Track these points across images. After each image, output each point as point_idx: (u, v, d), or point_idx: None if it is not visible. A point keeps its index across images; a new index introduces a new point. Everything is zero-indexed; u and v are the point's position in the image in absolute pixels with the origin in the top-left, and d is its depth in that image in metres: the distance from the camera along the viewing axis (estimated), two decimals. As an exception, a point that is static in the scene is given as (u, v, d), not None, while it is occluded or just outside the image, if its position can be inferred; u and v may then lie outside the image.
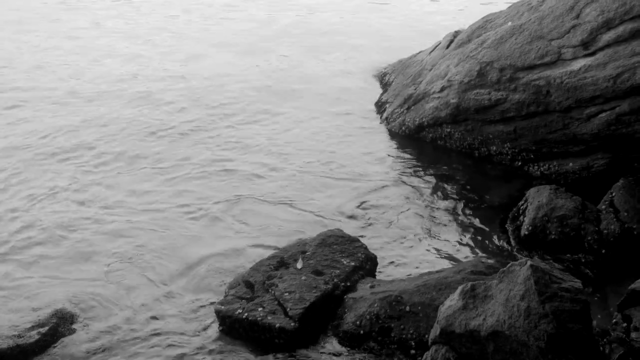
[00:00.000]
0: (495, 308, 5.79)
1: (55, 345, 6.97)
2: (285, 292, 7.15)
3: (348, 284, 7.41)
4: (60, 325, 7.16)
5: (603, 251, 8.18)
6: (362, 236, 8.59)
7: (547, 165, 10.05)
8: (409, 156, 10.90)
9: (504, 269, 5.97)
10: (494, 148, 10.50)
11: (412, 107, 11.57)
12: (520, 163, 10.29)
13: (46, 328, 7.04)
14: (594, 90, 9.51)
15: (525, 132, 10.18)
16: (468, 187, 10.02)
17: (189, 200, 9.55)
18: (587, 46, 9.74)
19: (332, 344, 6.99)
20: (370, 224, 9.08)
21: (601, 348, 6.12)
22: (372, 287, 7.32)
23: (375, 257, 7.98)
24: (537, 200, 8.62)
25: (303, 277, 7.35)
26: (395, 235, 8.86)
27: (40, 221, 9.01)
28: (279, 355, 6.83)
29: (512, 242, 8.66)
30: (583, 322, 5.64)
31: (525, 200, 8.86)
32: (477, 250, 8.60)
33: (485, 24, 11.51)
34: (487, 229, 9.01)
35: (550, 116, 9.96)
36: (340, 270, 7.51)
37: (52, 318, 7.19)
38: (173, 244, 8.63)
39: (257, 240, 8.69)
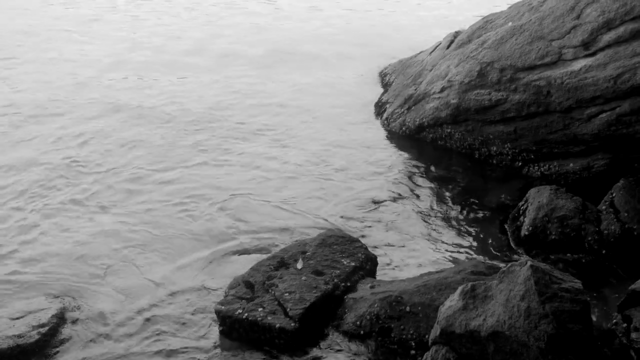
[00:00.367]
0: (496, 308, 5.79)
1: (55, 345, 6.97)
2: (286, 293, 7.15)
3: (348, 284, 7.41)
4: (60, 325, 7.16)
5: (603, 252, 8.18)
6: (362, 236, 8.60)
7: (547, 165, 10.05)
8: (409, 156, 10.90)
9: (504, 269, 5.97)
10: (494, 148, 10.50)
11: (413, 108, 11.57)
12: (520, 163, 10.29)
13: (46, 328, 7.04)
14: (594, 91, 9.51)
15: (526, 133, 10.18)
16: (468, 187, 10.03)
17: (189, 200, 9.55)
18: (587, 46, 9.74)
19: (332, 345, 6.99)
20: (370, 225, 9.07)
21: (601, 348, 6.12)
22: (372, 287, 7.32)
23: (376, 258, 7.97)
24: (537, 200, 8.62)
25: (303, 278, 7.35)
26: (396, 235, 8.86)
27: (40, 221, 9.01)
28: (279, 356, 6.83)
29: (513, 242, 8.66)
30: (583, 322, 5.64)
31: (526, 201, 8.85)
32: (478, 251, 8.60)
33: (486, 24, 11.51)
34: (487, 229, 9.01)
35: (550, 116, 9.96)
36: (340, 270, 7.51)
37: (52, 318, 7.19)
38: (172, 244, 8.63)
39: (257, 241, 8.69)
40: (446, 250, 8.60)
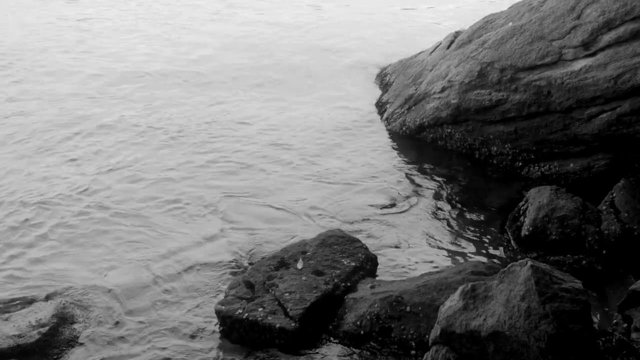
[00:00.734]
0: (496, 308, 5.79)
1: (56, 345, 6.97)
2: (286, 293, 7.15)
3: (348, 284, 7.41)
4: (60, 325, 7.16)
5: (604, 252, 8.17)
6: (362, 236, 8.59)
7: (547, 165, 10.05)
8: (409, 157, 10.90)
9: (505, 269, 5.97)
10: (495, 148, 10.50)
11: (413, 108, 11.57)
12: (520, 163, 10.29)
13: (46, 328, 7.04)
14: (594, 91, 9.51)
15: (526, 133, 10.17)
16: (468, 187, 10.02)
17: (189, 201, 9.55)
18: (587, 47, 9.74)
19: (333, 345, 6.99)
20: (370, 225, 9.07)
21: (601, 348, 6.12)
22: (372, 287, 7.32)
23: (376, 258, 7.97)
24: (537, 200, 8.62)
25: (303, 278, 7.35)
26: (396, 235, 8.85)
27: (39, 222, 9.01)
28: (279, 356, 6.83)
29: (513, 242, 8.66)
30: (583, 322, 5.63)
31: (526, 201, 8.85)
32: (478, 251, 8.59)
33: (486, 24, 11.51)
34: (487, 229, 9.01)
35: (551, 117, 9.96)
36: (340, 270, 7.51)
37: (52, 318, 7.19)
38: (173, 244, 8.63)
39: (258, 241, 8.69)
40: (446, 250, 8.60)
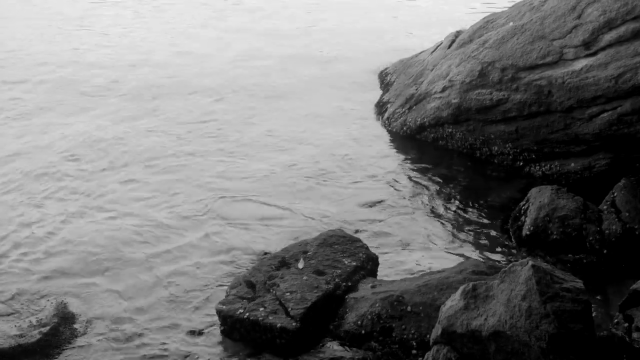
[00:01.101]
0: (497, 308, 5.78)
1: (57, 345, 6.97)
2: (287, 292, 7.15)
3: (349, 283, 7.41)
4: (61, 325, 7.17)
5: (605, 251, 8.17)
6: (363, 236, 8.59)
7: (548, 165, 10.05)
8: (410, 156, 10.90)
9: (506, 269, 5.97)
10: (496, 148, 10.50)
11: (414, 107, 11.57)
12: (521, 163, 10.29)
13: (47, 328, 7.05)
14: (595, 90, 9.51)
15: (527, 132, 10.17)
16: (469, 187, 10.02)
17: (189, 200, 9.55)
18: (588, 46, 9.74)
19: (334, 344, 6.98)
20: (371, 224, 9.07)
21: (602, 348, 6.12)
22: (373, 287, 7.31)
23: (377, 257, 7.97)
24: (538, 200, 8.62)
25: (304, 277, 7.35)
26: (397, 235, 8.86)
27: (39, 222, 9.01)
28: (281, 355, 6.83)
29: (514, 242, 8.66)
30: (584, 322, 5.63)
31: (527, 201, 8.85)
32: (479, 251, 8.59)
33: (487, 24, 11.51)
34: (488, 229, 9.01)
35: (552, 116, 9.95)
36: (341, 270, 7.51)
37: (53, 318, 7.20)
38: (173, 243, 8.63)
39: (258, 241, 8.69)
40: (447, 250, 8.60)
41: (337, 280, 7.37)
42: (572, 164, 9.83)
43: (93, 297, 7.67)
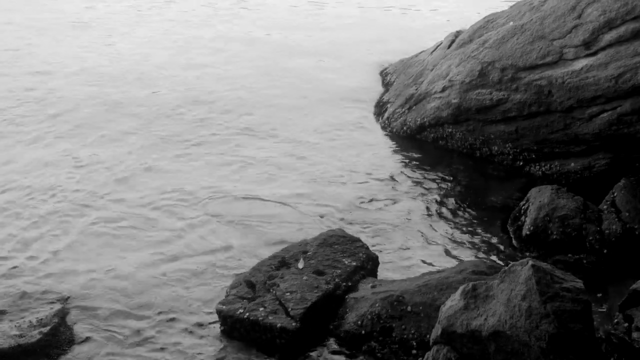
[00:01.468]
0: (497, 308, 5.79)
1: (57, 345, 6.97)
2: (287, 292, 7.15)
3: (349, 283, 7.41)
4: (61, 325, 7.16)
5: (605, 251, 8.17)
6: (363, 236, 8.59)
7: (548, 165, 10.05)
8: (410, 156, 10.89)
9: (506, 268, 5.97)
10: (496, 148, 10.50)
11: (414, 107, 11.57)
12: (521, 163, 10.29)
13: (48, 328, 7.04)
14: (595, 90, 9.51)
15: (527, 132, 10.17)
16: (469, 187, 10.02)
17: (189, 200, 9.55)
18: (588, 46, 9.74)
19: (333, 344, 6.99)
20: (371, 224, 9.07)
21: (602, 348, 6.12)
22: (373, 287, 7.32)
23: (377, 257, 7.97)
24: (538, 200, 8.62)
25: (304, 277, 7.35)
26: (397, 235, 8.86)
27: (39, 222, 9.01)
28: (280, 355, 6.83)
29: (514, 242, 8.66)
30: (584, 322, 5.63)
31: (527, 201, 8.85)
32: (479, 250, 8.60)
33: (487, 24, 11.51)
34: (488, 229, 9.01)
35: (551, 116, 9.96)
36: (341, 270, 7.51)
37: (53, 318, 7.19)
38: (174, 243, 8.63)
39: (259, 240, 8.69)
40: (447, 250, 8.60)
41: (337, 280, 7.37)
42: (572, 164, 9.83)
43: (93, 297, 7.66)
